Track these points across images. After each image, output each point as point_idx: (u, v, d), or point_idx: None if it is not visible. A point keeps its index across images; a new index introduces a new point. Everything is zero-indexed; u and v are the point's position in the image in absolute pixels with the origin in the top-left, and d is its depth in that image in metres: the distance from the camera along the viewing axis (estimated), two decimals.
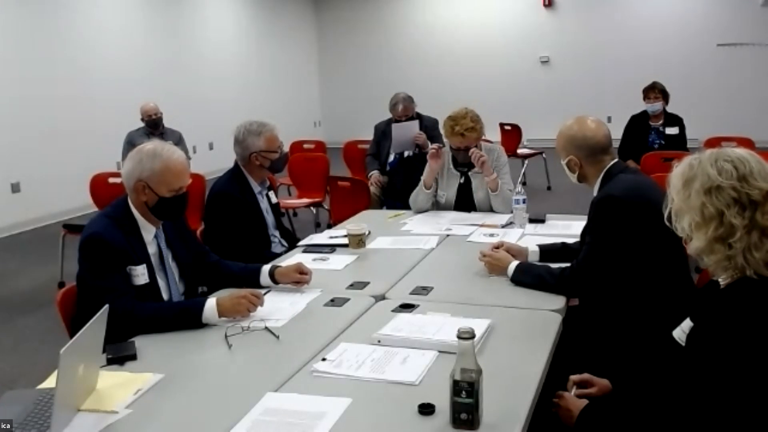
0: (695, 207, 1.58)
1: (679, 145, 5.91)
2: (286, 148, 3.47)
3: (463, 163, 3.78)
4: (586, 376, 2.04)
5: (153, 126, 6.51)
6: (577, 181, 2.62)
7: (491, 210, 3.70)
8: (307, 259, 2.94)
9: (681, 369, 1.65)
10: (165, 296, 2.47)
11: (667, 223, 1.68)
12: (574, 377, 2.03)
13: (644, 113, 6.11)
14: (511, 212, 3.50)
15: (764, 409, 1.50)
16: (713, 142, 6.31)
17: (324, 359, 1.94)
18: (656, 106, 5.99)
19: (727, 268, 1.59)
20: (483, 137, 3.87)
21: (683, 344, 1.70)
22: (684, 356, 1.66)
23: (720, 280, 1.65)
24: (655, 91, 6.00)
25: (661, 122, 6.05)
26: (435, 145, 3.80)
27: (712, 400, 1.54)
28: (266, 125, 3.36)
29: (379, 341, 2.03)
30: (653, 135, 6.04)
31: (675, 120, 6.05)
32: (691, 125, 6.15)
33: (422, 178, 3.82)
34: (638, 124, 6.11)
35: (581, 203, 2.76)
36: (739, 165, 1.57)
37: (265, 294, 2.39)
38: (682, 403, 1.60)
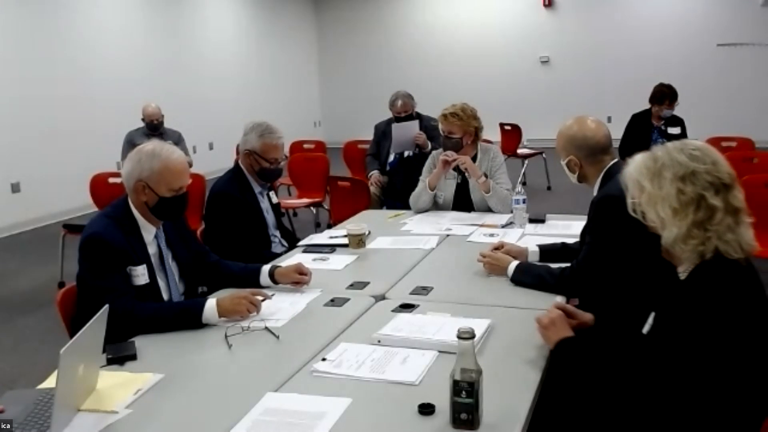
0: (671, 194, 1.64)
1: None
2: (287, 148, 3.46)
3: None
4: (569, 308, 2.09)
5: (153, 128, 6.51)
6: (577, 181, 2.62)
7: (489, 210, 3.69)
8: (307, 259, 2.94)
9: (653, 361, 1.67)
10: (165, 296, 2.47)
11: (633, 214, 1.75)
12: (557, 303, 2.08)
13: (647, 112, 6.09)
14: (511, 212, 3.50)
15: (736, 391, 1.56)
16: (713, 142, 6.29)
17: (324, 359, 1.94)
18: (670, 111, 5.99)
19: (701, 254, 1.63)
20: (476, 134, 3.83)
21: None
22: (655, 347, 1.68)
23: (680, 273, 1.71)
24: (674, 99, 5.96)
25: (662, 122, 6.05)
26: (449, 154, 3.76)
27: (687, 385, 1.58)
28: (273, 133, 3.34)
29: (379, 341, 2.03)
30: (656, 134, 6.04)
31: (676, 121, 6.05)
32: (691, 125, 6.14)
33: (426, 179, 3.81)
34: (641, 123, 6.09)
35: (581, 203, 2.76)
36: (707, 152, 1.67)
37: (264, 300, 2.36)
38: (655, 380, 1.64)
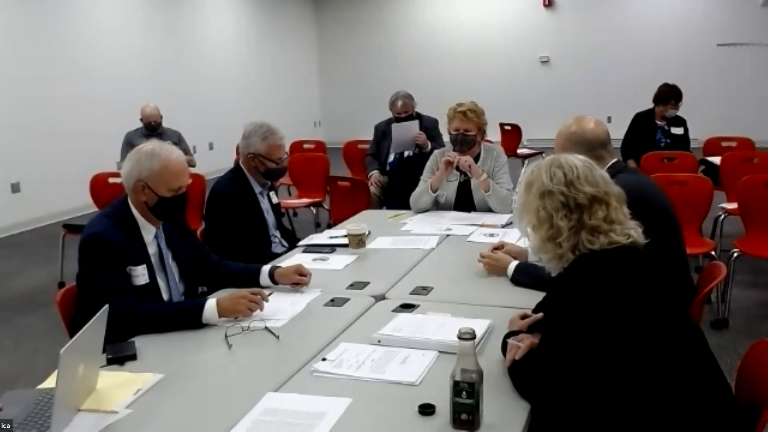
0: (533, 210, 1.75)
1: (684, 145, 5.90)
2: (287, 148, 3.47)
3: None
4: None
5: (151, 129, 6.50)
6: None
7: (491, 210, 3.70)
8: (307, 259, 2.94)
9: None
10: (165, 296, 2.47)
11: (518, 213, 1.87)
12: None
13: (650, 112, 6.07)
14: (511, 212, 3.50)
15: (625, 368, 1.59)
16: (713, 142, 6.32)
17: (324, 359, 1.94)
18: (674, 112, 5.98)
19: (558, 264, 1.75)
20: (484, 134, 3.86)
21: None
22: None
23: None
24: (679, 99, 5.95)
25: (665, 122, 6.04)
26: (451, 154, 3.76)
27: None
28: (275, 133, 3.34)
29: (379, 341, 2.03)
30: (659, 134, 6.03)
31: (679, 121, 6.05)
32: (691, 125, 6.14)
33: (428, 180, 3.80)
34: (644, 123, 6.07)
35: None
36: (567, 171, 1.74)
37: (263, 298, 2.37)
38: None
